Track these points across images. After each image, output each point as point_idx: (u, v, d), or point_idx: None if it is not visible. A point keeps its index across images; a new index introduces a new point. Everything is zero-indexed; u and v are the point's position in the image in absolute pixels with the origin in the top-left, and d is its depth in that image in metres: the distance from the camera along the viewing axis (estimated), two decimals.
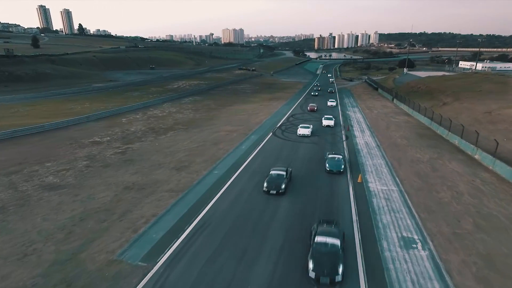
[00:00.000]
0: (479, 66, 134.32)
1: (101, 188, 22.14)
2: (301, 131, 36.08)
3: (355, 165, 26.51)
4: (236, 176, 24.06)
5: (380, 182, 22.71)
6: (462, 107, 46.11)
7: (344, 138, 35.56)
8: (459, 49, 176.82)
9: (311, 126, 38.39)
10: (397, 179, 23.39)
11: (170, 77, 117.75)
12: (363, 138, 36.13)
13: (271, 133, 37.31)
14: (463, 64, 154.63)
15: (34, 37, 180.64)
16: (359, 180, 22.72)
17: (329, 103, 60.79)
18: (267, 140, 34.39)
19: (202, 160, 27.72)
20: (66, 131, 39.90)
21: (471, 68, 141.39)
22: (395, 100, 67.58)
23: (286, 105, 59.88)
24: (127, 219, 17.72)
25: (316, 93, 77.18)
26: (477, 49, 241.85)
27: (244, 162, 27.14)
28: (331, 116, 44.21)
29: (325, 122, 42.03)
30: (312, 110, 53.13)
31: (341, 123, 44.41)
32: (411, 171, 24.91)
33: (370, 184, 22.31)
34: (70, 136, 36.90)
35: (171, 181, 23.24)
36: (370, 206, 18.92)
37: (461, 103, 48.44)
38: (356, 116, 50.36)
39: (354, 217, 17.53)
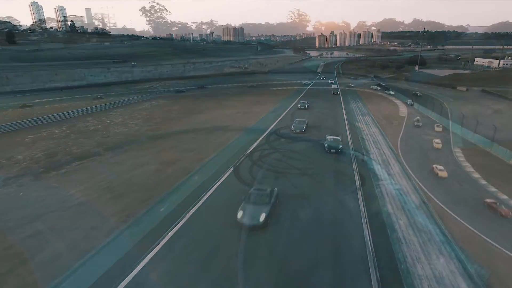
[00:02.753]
0: (499, 63, 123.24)
1: None
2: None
3: None
4: None
5: None
6: None
7: (357, 184, 19.70)
8: (472, 47, 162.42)
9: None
10: None
11: (147, 75, 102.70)
12: (392, 181, 20.41)
13: (231, 169, 21.82)
14: (479, 61, 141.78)
15: (9, 31, 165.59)
16: None
17: None
18: (217, 188, 18.85)
19: (26, 273, 12.34)
20: None
21: (490, 66, 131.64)
22: (415, 104, 52.38)
23: (273, 113, 43.54)
24: None
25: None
26: (487, 47, 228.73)
27: (129, 274, 11.69)
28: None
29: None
30: None
31: (350, 145, 28.66)
32: None
33: None
34: None
35: None
36: None
37: None
38: (370, 131, 34.55)
39: None
